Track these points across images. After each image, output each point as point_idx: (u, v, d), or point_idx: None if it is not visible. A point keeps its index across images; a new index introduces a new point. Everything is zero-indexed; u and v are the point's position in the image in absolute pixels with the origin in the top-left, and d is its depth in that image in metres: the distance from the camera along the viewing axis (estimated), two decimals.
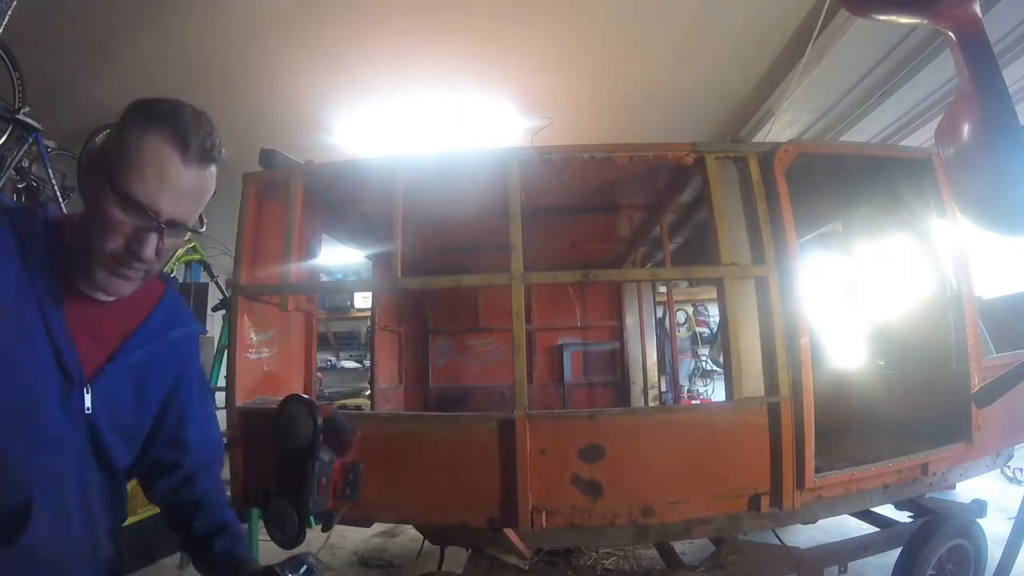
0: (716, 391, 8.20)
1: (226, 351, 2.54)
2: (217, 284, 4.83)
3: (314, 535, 4.56)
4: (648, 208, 3.68)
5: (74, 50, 3.31)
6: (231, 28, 3.16)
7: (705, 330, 8.46)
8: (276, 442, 1.98)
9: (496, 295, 4.88)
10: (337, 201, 3.27)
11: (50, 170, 3.82)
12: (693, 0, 3.11)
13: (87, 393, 1.04)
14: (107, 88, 3.70)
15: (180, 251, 4.32)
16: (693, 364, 8.37)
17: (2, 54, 3.07)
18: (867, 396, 3.51)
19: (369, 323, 6.19)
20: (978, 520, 2.84)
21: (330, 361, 8.80)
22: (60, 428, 1.01)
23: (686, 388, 8.14)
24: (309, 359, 3.31)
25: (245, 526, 3.79)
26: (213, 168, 1.07)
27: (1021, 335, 3.05)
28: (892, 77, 3.52)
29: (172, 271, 4.31)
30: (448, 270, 4.57)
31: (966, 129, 1.52)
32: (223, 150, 1.07)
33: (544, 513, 2.23)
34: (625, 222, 4.04)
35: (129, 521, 3.97)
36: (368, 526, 2.78)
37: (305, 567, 1.30)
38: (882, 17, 1.71)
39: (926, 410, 2.97)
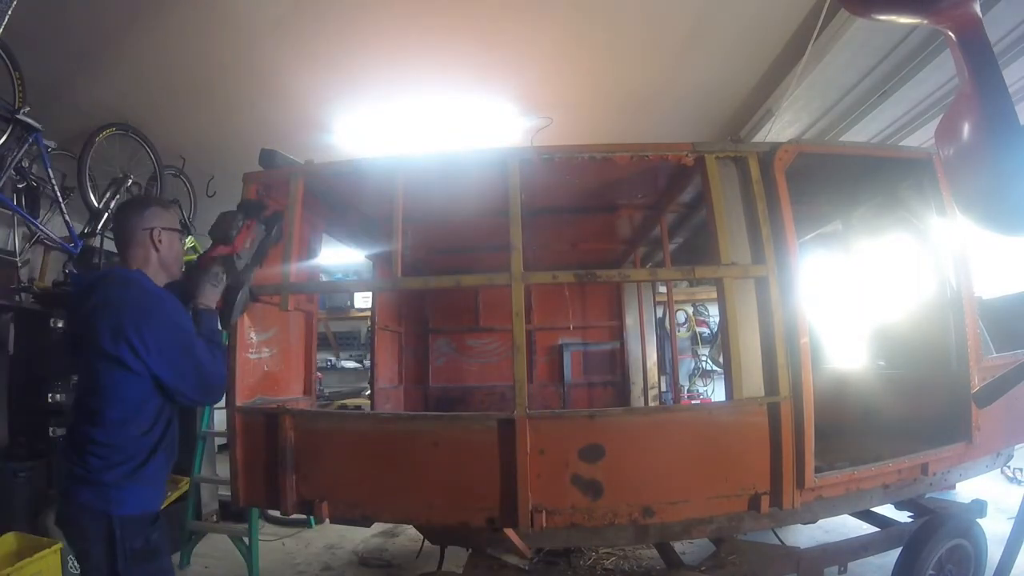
0: (716, 391, 8.20)
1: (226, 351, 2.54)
2: None
3: (313, 535, 4.57)
4: (648, 208, 3.68)
5: (74, 50, 3.31)
6: (231, 28, 3.16)
7: (705, 330, 8.46)
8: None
9: (496, 295, 4.89)
10: (337, 201, 3.27)
11: (50, 170, 3.82)
12: (693, 0, 3.11)
13: None
14: (107, 88, 3.70)
15: None
16: (693, 364, 8.37)
17: (2, 54, 3.07)
18: (867, 396, 3.51)
19: (369, 323, 6.19)
20: (978, 520, 2.84)
21: (330, 361, 8.80)
22: None
23: (686, 388, 8.15)
24: (309, 359, 3.31)
25: (250, 525, 3.79)
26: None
27: (1021, 335, 3.05)
28: (892, 77, 3.51)
29: None
30: (448, 270, 4.58)
31: (966, 129, 1.52)
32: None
33: (544, 513, 2.23)
34: (625, 222, 4.04)
35: None
36: (368, 526, 2.78)
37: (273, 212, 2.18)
38: (882, 17, 1.72)
39: (926, 410, 2.97)
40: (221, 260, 2.12)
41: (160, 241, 1.95)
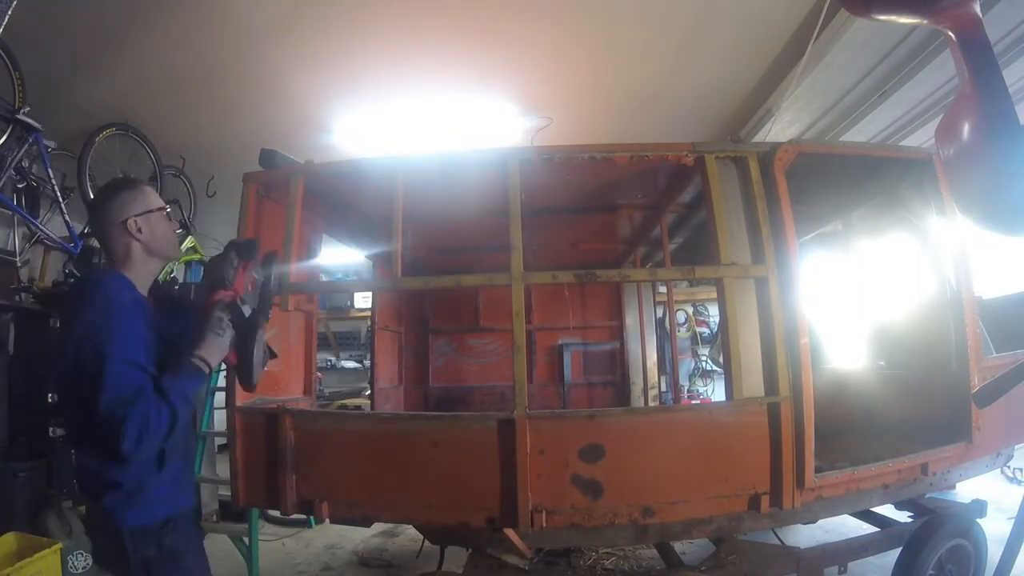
0: (716, 391, 8.20)
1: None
2: None
3: (313, 535, 4.57)
4: (648, 208, 3.68)
5: (74, 50, 3.31)
6: (231, 28, 3.16)
7: (705, 330, 8.46)
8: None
9: (496, 295, 4.89)
10: (337, 201, 3.27)
11: (50, 170, 3.82)
12: (693, 0, 3.11)
13: None
14: (107, 88, 3.70)
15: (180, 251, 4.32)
16: (693, 364, 8.37)
17: (2, 54, 3.07)
18: (867, 396, 3.51)
19: (369, 323, 6.19)
20: (978, 520, 2.84)
21: (330, 361, 8.80)
22: None
23: (686, 388, 8.15)
24: (309, 359, 3.31)
25: (246, 525, 3.79)
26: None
27: (1021, 335, 3.05)
28: (892, 77, 3.51)
29: (172, 271, 4.31)
30: (448, 270, 4.59)
31: (966, 129, 1.52)
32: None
33: (544, 513, 2.23)
34: (625, 222, 4.04)
35: None
36: (368, 526, 2.78)
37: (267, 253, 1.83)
38: (882, 17, 1.72)
39: (926, 410, 2.97)
40: (224, 306, 1.74)
41: (139, 230, 1.72)
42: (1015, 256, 4.61)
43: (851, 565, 2.74)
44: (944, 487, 3.02)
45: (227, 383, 2.53)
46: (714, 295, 3.02)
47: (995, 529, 2.90)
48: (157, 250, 1.78)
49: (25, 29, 2.88)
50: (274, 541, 4.44)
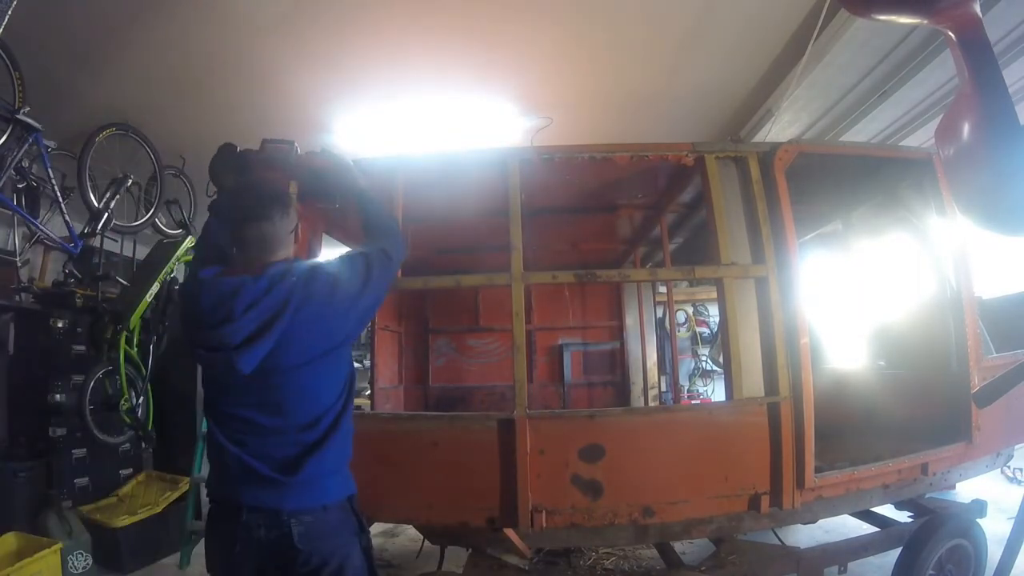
0: (716, 391, 8.20)
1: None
2: None
3: None
4: (648, 208, 3.68)
5: (74, 50, 3.30)
6: (231, 28, 3.16)
7: (705, 330, 8.46)
8: None
9: (496, 295, 4.88)
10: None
11: (50, 170, 3.82)
12: (693, 0, 3.11)
13: None
14: (107, 88, 3.70)
15: (180, 251, 4.32)
16: (693, 364, 8.37)
17: (2, 54, 3.07)
18: (867, 396, 3.51)
19: (369, 323, 6.19)
20: (978, 520, 2.84)
21: None
22: None
23: (686, 388, 8.15)
24: None
25: None
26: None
27: (1021, 335, 3.05)
28: (892, 77, 3.52)
29: (172, 271, 4.32)
30: (448, 270, 4.58)
31: (966, 129, 1.52)
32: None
33: (544, 513, 2.23)
34: (625, 222, 4.04)
35: (129, 521, 3.96)
36: (368, 526, 2.78)
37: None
38: (882, 17, 1.72)
39: (926, 410, 2.97)
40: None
41: (299, 236, 1.86)
42: (1015, 256, 4.62)
43: (851, 565, 2.74)
44: (944, 487, 3.02)
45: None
46: (714, 295, 3.02)
47: (995, 529, 2.90)
48: (299, 254, 1.91)
49: (25, 29, 2.88)
50: None
